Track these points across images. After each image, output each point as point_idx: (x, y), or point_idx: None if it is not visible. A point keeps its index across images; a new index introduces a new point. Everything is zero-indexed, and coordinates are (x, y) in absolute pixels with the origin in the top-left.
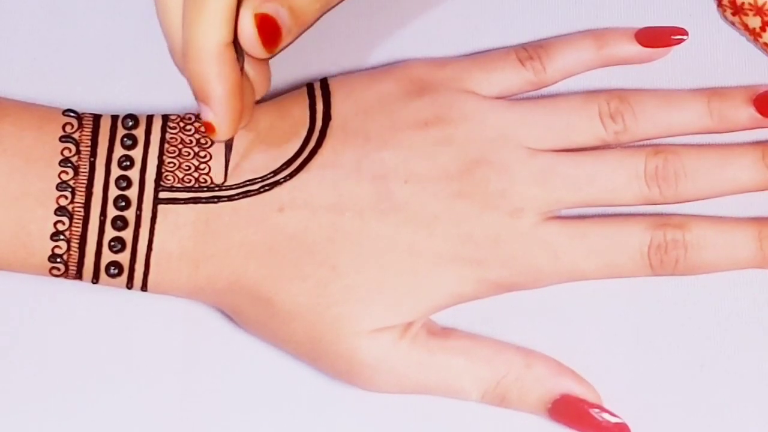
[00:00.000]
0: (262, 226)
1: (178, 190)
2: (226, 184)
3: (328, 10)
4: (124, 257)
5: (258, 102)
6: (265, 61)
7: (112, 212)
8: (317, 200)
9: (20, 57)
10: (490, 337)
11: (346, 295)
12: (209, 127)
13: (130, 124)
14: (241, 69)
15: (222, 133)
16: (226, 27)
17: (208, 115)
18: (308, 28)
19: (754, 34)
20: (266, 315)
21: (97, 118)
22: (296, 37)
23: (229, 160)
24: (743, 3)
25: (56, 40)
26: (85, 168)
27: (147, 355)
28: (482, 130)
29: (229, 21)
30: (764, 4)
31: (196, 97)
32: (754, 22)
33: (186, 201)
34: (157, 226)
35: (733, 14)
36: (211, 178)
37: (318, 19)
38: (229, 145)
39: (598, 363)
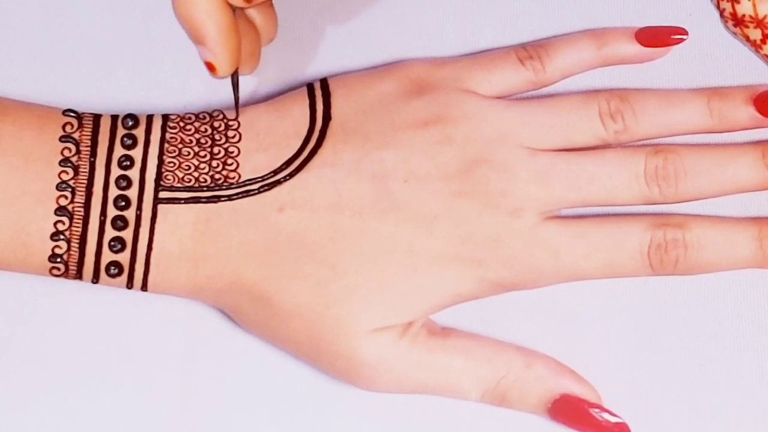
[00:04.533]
0: (262, 226)
1: (178, 189)
2: (225, 184)
3: None
4: (124, 257)
5: (258, 102)
6: (270, 6)
7: (112, 212)
8: (317, 200)
9: (20, 57)
10: (490, 337)
11: (345, 295)
12: (209, 66)
13: (130, 123)
14: (233, 9)
15: (222, 71)
16: None
17: (206, 55)
18: None
19: (755, 46)
20: (266, 315)
21: (97, 118)
22: None
23: (238, 98)
24: (744, 15)
25: (56, 40)
26: (85, 168)
27: (147, 355)
28: (482, 130)
29: None
30: (765, 17)
31: (192, 40)
32: (755, 34)
33: (186, 201)
34: (157, 226)
35: (735, 26)
36: (210, 177)
37: None
38: (235, 82)
39: (598, 363)
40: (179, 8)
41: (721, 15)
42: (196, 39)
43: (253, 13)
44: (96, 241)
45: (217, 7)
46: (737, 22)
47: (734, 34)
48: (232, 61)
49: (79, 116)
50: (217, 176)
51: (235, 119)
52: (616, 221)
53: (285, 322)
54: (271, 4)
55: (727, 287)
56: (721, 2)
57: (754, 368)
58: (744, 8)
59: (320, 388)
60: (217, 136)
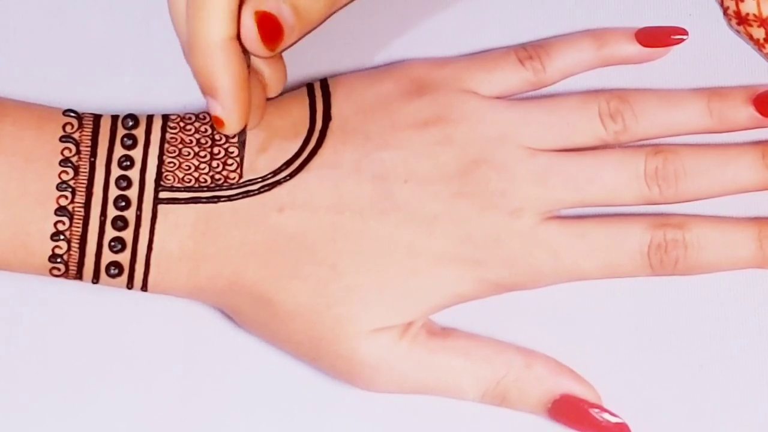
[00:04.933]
0: (262, 226)
1: (178, 190)
2: (225, 184)
3: (335, 11)
4: (124, 257)
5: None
6: (280, 58)
7: (112, 212)
8: (317, 200)
9: (20, 57)
10: (490, 337)
11: (346, 295)
12: (218, 122)
13: (131, 124)
14: (248, 65)
15: (231, 127)
16: (230, 20)
17: (216, 109)
18: (314, 28)
19: (758, 45)
20: (266, 315)
21: (97, 118)
22: (300, 37)
23: (243, 157)
24: (748, 14)
25: (56, 40)
26: (85, 168)
27: (147, 355)
28: (482, 130)
29: (233, 15)
30: None
31: (203, 92)
32: (758, 33)
33: (186, 201)
34: (157, 226)
35: (738, 24)
36: (210, 177)
37: (324, 19)
38: (242, 141)
39: (598, 363)
40: (195, 58)
41: (725, 13)
42: (208, 91)
43: (261, 65)
44: (96, 242)
45: (235, 60)
46: (741, 20)
47: (737, 32)
48: (242, 117)
49: (79, 116)
50: (217, 176)
51: (240, 178)
52: (616, 221)
53: (285, 323)
54: (281, 57)
55: (727, 287)
56: (725, 0)
57: (754, 368)
58: (748, 7)
59: (320, 388)
60: (217, 136)
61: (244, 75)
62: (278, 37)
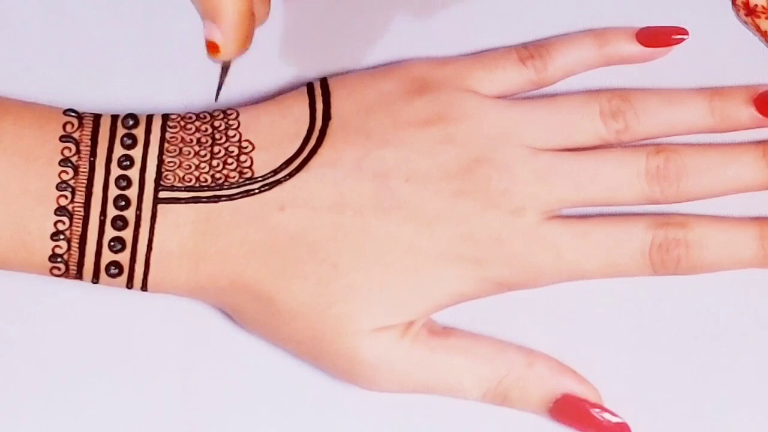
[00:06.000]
0: (263, 225)
1: (178, 189)
2: (225, 183)
3: None
4: (124, 257)
5: (258, 102)
6: None
7: (112, 212)
8: (318, 199)
9: (20, 57)
10: (491, 337)
11: (347, 294)
12: (213, 47)
13: (130, 123)
14: None
15: (226, 54)
16: None
17: (215, 35)
18: None
19: (765, 37)
20: (267, 314)
21: (97, 118)
22: None
23: (222, 84)
24: (756, 5)
25: (56, 40)
26: (85, 167)
27: (147, 354)
28: (483, 129)
29: None
30: None
31: (204, 15)
32: (766, 24)
33: (186, 200)
34: (157, 226)
35: (746, 15)
36: (211, 177)
37: None
38: (225, 68)
39: (598, 363)
40: None
41: (733, 4)
42: (211, 14)
43: None
44: (96, 241)
45: None
46: (749, 11)
47: (745, 23)
48: (239, 48)
49: (80, 116)
50: (217, 176)
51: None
52: (617, 221)
53: (286, 322)
54: None
55: (727, 287)
56: None
57: (754, 368)
58: None
59: (321, 387)
60: (217, 136)
61: (250, 4)
62: None
